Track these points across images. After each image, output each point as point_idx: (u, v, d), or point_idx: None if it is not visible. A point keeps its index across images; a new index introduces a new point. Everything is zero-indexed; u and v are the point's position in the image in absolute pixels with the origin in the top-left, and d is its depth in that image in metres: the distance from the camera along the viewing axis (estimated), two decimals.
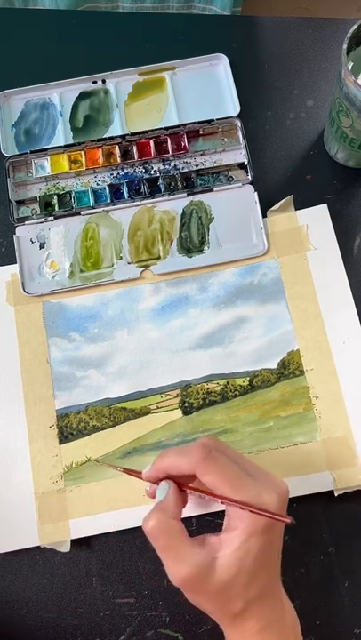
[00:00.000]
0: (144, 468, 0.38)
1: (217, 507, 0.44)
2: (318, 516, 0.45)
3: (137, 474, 0.39)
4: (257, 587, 0.33)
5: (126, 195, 0.51)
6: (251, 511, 0.32)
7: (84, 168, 0.51)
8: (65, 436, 0.46)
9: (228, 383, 0.47)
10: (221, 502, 0.34)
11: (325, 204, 0.50)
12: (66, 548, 0.44)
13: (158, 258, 0.50)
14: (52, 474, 0.46)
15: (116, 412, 0.47)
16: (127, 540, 0.45)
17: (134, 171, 0.52)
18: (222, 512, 0.44)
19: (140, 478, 0.38)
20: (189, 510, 0.44)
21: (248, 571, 0.33)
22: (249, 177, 0.51)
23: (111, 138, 0.52)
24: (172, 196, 0.51)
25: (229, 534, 0.33)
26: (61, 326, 0.49)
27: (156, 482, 0.37)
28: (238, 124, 0.52)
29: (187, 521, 0.45)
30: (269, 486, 0.34)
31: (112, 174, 0.52)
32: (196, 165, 0.52)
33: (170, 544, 0.34)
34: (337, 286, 0.49)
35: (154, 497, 0.38)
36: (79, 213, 0.51)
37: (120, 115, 0.53)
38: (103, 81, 0.54)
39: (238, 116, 0.52)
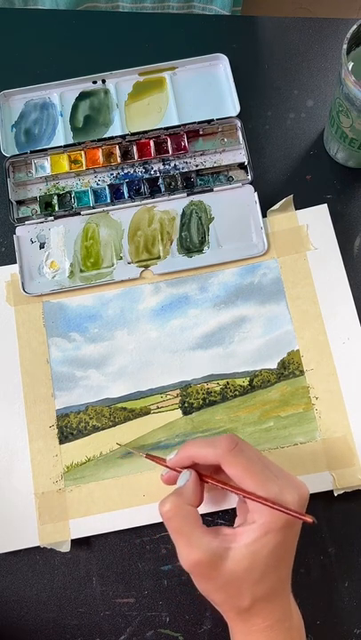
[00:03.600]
0: (168, 456, 0.38)
1: (227, 504, 0.44)
2: (318, 516, 0.45)
3: (161, 460, 0.39)
4: (267, 585, 0.33)
5: (126, 195, 0.51)
6: (272, 507, 0.33)
7: (84, 168, 0.51)
8: (65, 436, 0.46)
9: (228, 383, 0.47)
10: (243, 497, 0.34)
11: (325, 204, 0.50)
12: (66, 548, 0.44)
13: (158, 258, 0.50)
14: (52, 474, 0.46)
15: (116, 412, 0.47)
16: (127, 540, 0.45)
17: (134, 171, 0.52)
18: (223, 512, 0.45)
19: (164, 465, 0.38)
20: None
21: (260, 567, 0.33)
22: (249, 177, 0.51)
23: (111, 138, 0.52)
24: (172, 196, 0.51)
25: (246, 528, 0.34)
26: (61, 326, 0.49)
27: (179, 470, 0.37)
28: (238, 124, 0.52)
29: None
30: (292, 486, 0.34)
31: (112, 174, 0.52)
32: (196, 165, 0.52)
33: (183, 528, 0.34)
34: (337, 286, 0.49)
35: (169, 483, 0.39)
36: (79, 213, 0.51)
37: (120, 115, 0.53)
38: (103, 81, 0.54)
39: (238, 116, 0.52)
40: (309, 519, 0.33)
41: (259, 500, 0.33)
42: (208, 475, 0.37)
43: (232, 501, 0.44)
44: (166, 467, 0.38)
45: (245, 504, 0.35)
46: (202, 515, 0.44)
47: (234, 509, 0.40)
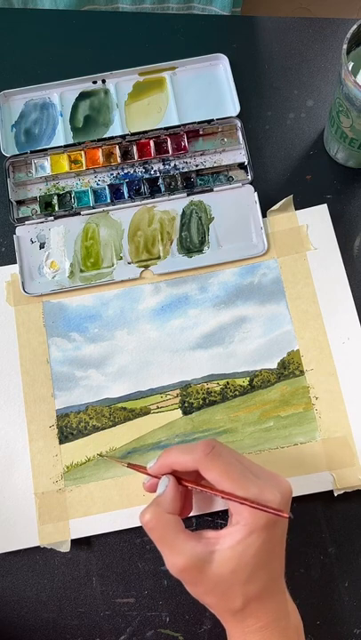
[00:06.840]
0: (148, 464, 0.38)
1: (219, 507, 0.44)
2: (318, 516, 0.45)
3: (141, 468, 0.39)
4: (257, 584, 0.33)
5: (126, 195, 0.51)
6: (250, 506, 0.33)
7: (84, 168, 0.51)
8: (65, 436, 0.46)
9: (228, 383, 0.47)
10: (222, 498, 0.34)
11: (325, 204, 0.50)
12: (66, 548, 0.44)
13: (158, 258, 0.50)
14: (51, 474, 0.46)
15: (116, 412, 0.47)
16: (127, 539, 0.45)
17: (134, 171, 0.52)
18: (223, 512, 0.45)
19: (145, 473, 0.38)
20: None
21: (247, 567, 0.33)
22: (249, 177, 0.51)
23: (111, 138, 0.52)
24: (172, 196, 0.51)
25: (229, 530, 0.34)
26: (61, 326, 0.49)
27: (160, 477, 0.37)
28: (238, 124, 0.52)
29: (187, 520, 0.45)
30: (272, 485, 0.34)
31: (112, 174, 0.52)
32: (196, 165, 0.52)
33: (165, 536, 0.34)
34: (337, 286, 0.49)
35: (151, 490, 0.39)
36: (79, 213, 0.51)
37: (120, 115, 0.53)
38: (103, 81, 0.54)
39: (238, 116, 0.52)
40: (285, 515, 0.33)
41: (237, 500, 0.33)
42: (189, 479, 0.37)
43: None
44: (148, 474, 0.38)
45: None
46: (200, 515, 0.44)
47: None
